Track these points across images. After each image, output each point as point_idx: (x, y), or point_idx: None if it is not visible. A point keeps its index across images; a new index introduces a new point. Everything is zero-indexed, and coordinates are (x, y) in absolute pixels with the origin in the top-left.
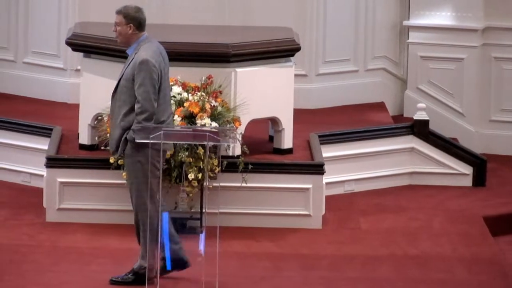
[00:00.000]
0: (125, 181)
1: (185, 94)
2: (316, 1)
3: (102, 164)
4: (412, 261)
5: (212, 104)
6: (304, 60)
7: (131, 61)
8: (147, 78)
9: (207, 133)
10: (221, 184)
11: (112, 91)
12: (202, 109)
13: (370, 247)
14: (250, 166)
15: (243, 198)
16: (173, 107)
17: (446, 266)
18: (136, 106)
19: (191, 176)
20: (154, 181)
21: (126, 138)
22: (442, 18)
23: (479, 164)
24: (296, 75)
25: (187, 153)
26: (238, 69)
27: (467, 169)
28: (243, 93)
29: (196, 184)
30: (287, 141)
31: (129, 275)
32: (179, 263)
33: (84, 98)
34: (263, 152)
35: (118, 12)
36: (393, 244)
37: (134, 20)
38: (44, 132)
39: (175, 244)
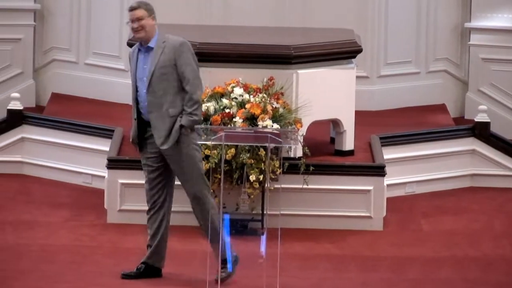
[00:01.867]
0: None
1: (246, 96)
2: (377, 3)
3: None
4: (473, 263)
5: (274, 106)
6: (366, 62)
7: (163, 49)
8: (191, 57)
9: (269, 135)
10: (283, 185)
11: (141, 88)
12: (264, 111)
13: (431, 249)
14: (311, 168)
15: (304, 199)
16: (235, 109)
17: (507, 268)
18: (188, 86)
19: (252, 177)
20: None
21: (180, 125)
22: (504, 20)
23: None
24: (357, 77)
25: (248, 155)
26: (299, 71)
27: None
28: (305, 94)
29: (257, 185)
30: (348, 143)
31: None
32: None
33: None
34: (325, 154)
35: (137, 7)
36: (454, 246)
37: (154, 11)
38: (105, 133)
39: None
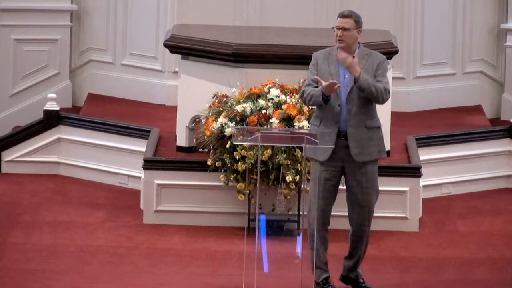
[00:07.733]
0: (222, 183)
1: (283, 97)
2: (414, 4)
3: (200, 166)
4: (509, 264)
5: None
6: (402, 63)
7: (366, 61)
8: (387, 75)
9: (305, 136)
10: None
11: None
12: (300, 112)
13: (467, 250)
14: None
15: (340, 200)
16: (271, 110)
17: None
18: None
19: (288, 178)
20: None
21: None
22: None
23: None
24: (393, 78)
25: (285, 156)
26: None
27: None
28: None
29: (293, 186)
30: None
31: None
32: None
33: (182, 100)
34: None
35: (348, 16)
36: (490, 247)
37: (361, 25)
38: (141, 134)
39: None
